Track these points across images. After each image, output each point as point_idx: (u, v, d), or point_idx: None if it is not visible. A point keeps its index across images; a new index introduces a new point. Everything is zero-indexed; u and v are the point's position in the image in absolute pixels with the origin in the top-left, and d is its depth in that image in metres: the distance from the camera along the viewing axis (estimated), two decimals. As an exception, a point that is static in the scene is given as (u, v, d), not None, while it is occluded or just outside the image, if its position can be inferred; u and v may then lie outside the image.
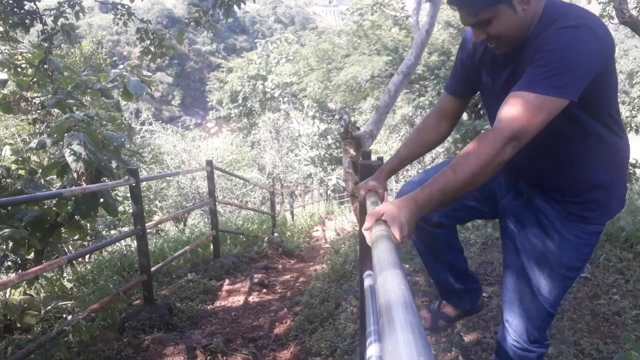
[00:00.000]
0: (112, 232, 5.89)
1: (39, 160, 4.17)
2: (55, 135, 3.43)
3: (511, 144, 0.99)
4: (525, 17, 1.08)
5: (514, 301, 1.37)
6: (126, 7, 5.49)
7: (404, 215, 0.97)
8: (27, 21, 4.54)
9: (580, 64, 1.00)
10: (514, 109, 1.00)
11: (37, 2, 4.57)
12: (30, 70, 4.29)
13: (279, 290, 4.19)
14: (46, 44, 4.45)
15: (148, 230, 3.65)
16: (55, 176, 3.62)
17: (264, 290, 4.14)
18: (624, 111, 22.19)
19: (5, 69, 4.17)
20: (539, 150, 1.18)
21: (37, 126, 4.82)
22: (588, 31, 1.02)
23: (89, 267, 4.46)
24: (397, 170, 1.62)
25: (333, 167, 22.24)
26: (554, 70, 0.99)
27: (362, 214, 1.77)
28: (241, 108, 30.70)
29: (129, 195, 3.95)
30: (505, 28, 1.09)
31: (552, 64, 1.00)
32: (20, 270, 3.48)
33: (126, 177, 3.23)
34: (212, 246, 5.13)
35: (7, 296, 3.19)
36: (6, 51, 4.59)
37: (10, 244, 3.26)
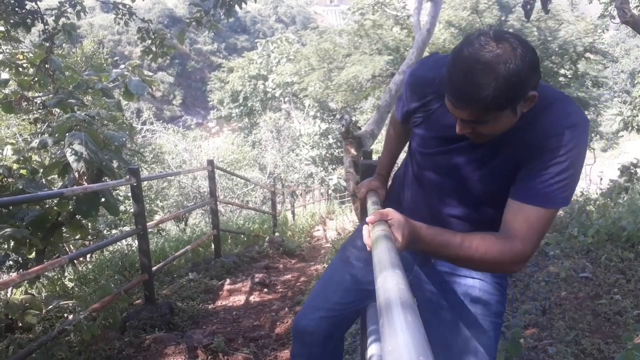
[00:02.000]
0: (113, 231, 5.90)
1: (40, 160, 4.18)
2: (56, 135, 3.43)
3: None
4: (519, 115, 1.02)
5: None
6: (127, 6, 5.49)
7: (407, 229, 0.98)
8: (28, 21, 4.55)
9: (583, 167, 1.05)
10: (538, 229, 1.03)
11: (38, 2, 4.58)
12: (31, 69, 4.29)
13: (280, 290, 4.20)
14: (47, 44, 4.45)
15: (149, 230, 3.65)
16: (56, 176, 3.62)
17: (265, 289, 4.14)
18: (626, 110, 22.15)
19: (7, 69, 4.17)
20: (477, 211, 1.21)
21: (39, 126, 4.82)
22: (587, 128, 1.04)
23: (90, 267, 4.47)
24: (392, 168, 1.64)
25: (334, 166, 22.25)
26: (567, 181, 1.02)
27: (362, 213, 1.77)
28: (242, 108, 30.72)
29: (130, 194, 3.96)
30: (498, 129, 1.01)
31: (565, 174, 1.01)
32: (21, 270, 3.49)
33: (127, 176, 3.24)
34: (213, 246, 5.13)
35: (8, 295, 3.20)
36: (7, 51, 4.60)
37: (12, 243, 3.26)
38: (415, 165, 1.32)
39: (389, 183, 1.61)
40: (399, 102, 1.36)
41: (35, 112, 4.53)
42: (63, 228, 3.69)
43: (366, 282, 1.39)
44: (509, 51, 0.91)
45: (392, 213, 1.00)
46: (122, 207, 6.12)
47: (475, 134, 1.04)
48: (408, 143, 1.42)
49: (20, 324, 2.91)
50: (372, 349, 1.25)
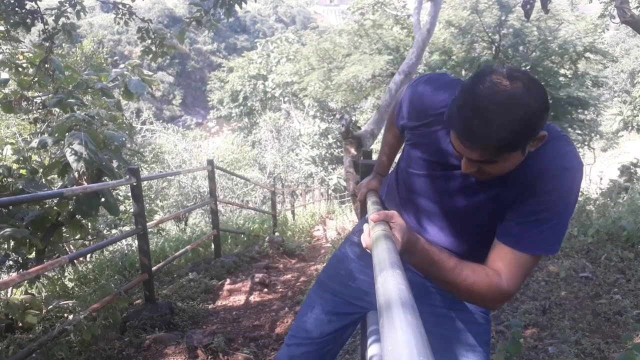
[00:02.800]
0: (113, 231, 5.90)
1: (40, 160, 4.18)
2: (56, 135, 3.44)
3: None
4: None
5: None
6: (127, 6, 5.49)
7: (407, 235, 0.97)
8: (28, 20, 4.55)
9: (572, 211, 1.02)
10: (523, 272, 1.03)
11: (38, 2, 4.58)
12: (31, 69, 4.30)
13: (280, 290, 4.20)
14: (47, 44, 4.45)
15: (149, 230, 3.65)
16: (56, 176, 3.62)
17: (265, 289, 4.14)
18: (626, 110, 22.16)
19: (7, 69, 4.18)
20: (461, 239, 1.20)
21: (38, 126, 4.82)
22: (581, 171, 1.02)
23: (90, 267, 4.47)
24: (390, 167, 1.63)
25: (334, 166, 22.25)
26: (556, 229, 1.01)
27: (362, 213, 1.77)
28: (242, 107, 30.73)
29: (130, 194, 3.96)
30: (505, 169, 0.99)
31: (555, 220, 1.00)
32: (21, 270, 3.49)
33: (127, 176, 3.24)
34: (213, 246, 5.13)
35: (8, 295, 3.20)
36: (7, 50, 4.60)
37: (12, 243, 3.26)
38: (402, 182, 1.30)
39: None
40: (399, 111, 1.33)
41: (35, 111, 4.53)
42: (63, 228, 3.69)
43: (349, 299, 1.38)
44: (523, 91, 0.89)
45: (395, 216, 0.99)
46: (122, 207, 6.12)
47: (480, 173, 1.02)
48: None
49: (20, 324, 2.91)
50: (372, 349, 1.25)
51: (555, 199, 0.99)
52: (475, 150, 0.94)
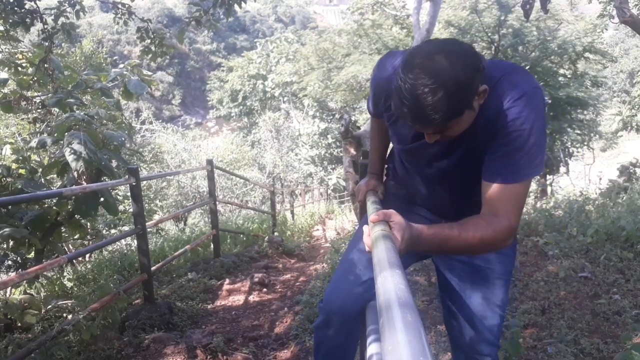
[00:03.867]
0: (113, 231, 5.89)
1: (39, 160, 4.17)
2: (55, 135, 3.43)
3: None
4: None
5: (481, 330, 1.39)
6: (126, 6, 5.48)
7: (408, 232, 1.00)
8: (27, 20, 4.54)
9: (545, 132, 1.10)
10: (517, 203, 1.11)
11: (37, 1, 4.57)
12: (30, 69, 4.29)
13: (280, 290, 4.19)
14: (46, 43, 4.44)
15: (148, 230, 3.65)
16: (55, 175, 3.62)
17: (264, 289, 4.14)
18: (625, 110, 22.16)
19: (6, 68, 4.16)
20: (463, 192, 1.31)
21: (38, 125, 4.81)
22: (538, 95, 1.08)
23: (89, 267, 4.46)
24: (383, 164, 1.67)
25: (333, 166, 22.25)
26: (529, 152, 1.07)
27: (362, 212, 1.77)
28: (241, 107, 30.70)
29: (129, 194, 3.95)
30: (463, 126, 1.07)
31: (526, 145, 1.06)
32: (20, 270, 3.49)
33: (126, 176, 3.23)
34: (212, 245, 5.13)
35: (7, 295, 3.19)
36: (7, 50, 4.59)
37: (11, 243, 3.26)
38: (402, 159, 1.42)
39: (384, 179, 1.67)
40: (369, 101, 1.44)
41: (34, 111, 4.52)
42: (62, 228, 3.68)
43: None
44: (446, 64, 0.95)
45: (394, 215, 1.02)
46: (121, 207, 6.11)
47: (444, 137, 1.10)
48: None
49: (19, 324, 2.90)
50: (372, 349, 1.24)
51: (519, 127, 1.05)
52: (427, 128, 1.05)
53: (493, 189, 1.10)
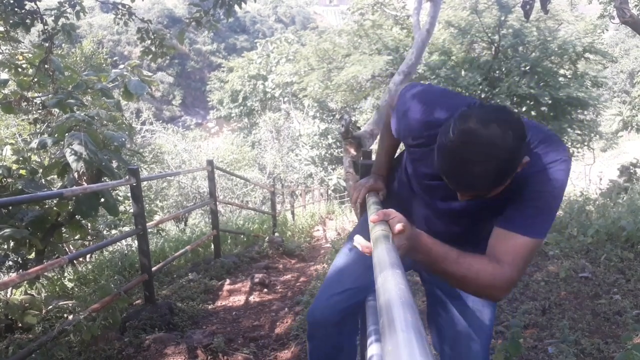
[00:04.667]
0: (113, 231, 5.90)
1: (39, 160, 4.17)
2: (56, 135, 3.43)
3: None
4: None
5: (471, 352, 1.39)
6: (127, 7, 5.49)
7: (409, 231, 0.99)
8: (27, 21, 4.54)
9: (561, 200, 1.12)
10: (524, 257, 1.08)
11: (37, 2, 4.57)
12: (31, 70, 4.29)
13: (280, 290, 4.19)
14: (47, 44, 4.45)
15: (149, 230, 3.65)
16: (56, 176, 3.62)
17: (265, 290, 4.14)
18: (625, 110, 22.15)
19: (6, 69, 4.17)
20: (464, 233, 1.31)
21: (38, 126, 4.82)
22: (568, 166, 1.10)
23: (89, 267, 4.46)
24: (390, 167, 1.63)
25: (334, 166, 22.25)
26: (547, 214, 1.09)
27: (361, 212, 1.77)
28: (242, 108, 30.69)
29: (129, 195, 3.96)
30: (498, 192, 1.05)
31: (547, 207, 1.08)
32: (21, 270, 3.49)
33: (127, 176, 3.24)
34: (212, 246, 5.13)
35: (8, 296, 3.19)
36: (7, 51, 4.59)
37: (12, 243, 3.26)
38: (410, 180, 1.39)
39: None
40: (393, 125, 1.39)
41: (34, 112, 4.53)
42: (63, 228, 3.69)
43: None
44: (499, 134, 0.94)
45: (393, 213, 1.00)
46: (121, 208, 6.12)
47: (477, 197, 1.09)
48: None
49: (20, 325, 2.91)
50: (372, 349, 1.24)
51: (547, 191, 1.07)
52: (467, 194, 1.04)
53: (504, 236, 1.09)
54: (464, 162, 0.95)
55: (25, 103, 4.21)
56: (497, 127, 0.94)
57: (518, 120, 0.98)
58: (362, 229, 1.53)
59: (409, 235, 0.98)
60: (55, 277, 4.04)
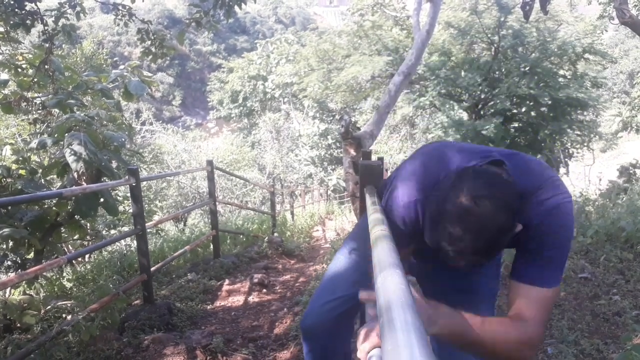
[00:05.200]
0: (112, 231, 5.89)
1: (39, 160, 4.16)
2: (55, 135, 3.43)
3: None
4: None
5: None
6: (127, 7, 5.49)
7: (425, 306, 0.92)
8: (28, 22, 4.54)
9: (571, 241, 1.13)
10: (547, 309, 1.07)
11: (37, 3, 4.57)
12: (31, 70, 4.28)
13: (279, 290, 4.19)
14: (47, 45, 4.44)
15: (148, 230, 3.65)
16: (55, 176, 3.62)
17: (264, 290, 4.14)
18: (625, 111, 22.17)
19: (6, 70, 4.16)
20: (458, 285, 1.36)
21: (38, 126, 4.81)
22: (571, 206, 1.10)
23: (88, 267, 4.46)
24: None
25: (333, 167, 22.25)
26: (561, 259, 1.09)
27: (361, 212, 1.77)
28: (241, 108, 30.69)
29: (129, 195, 3.96)
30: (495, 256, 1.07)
31: (559, 253, 1.08)
32: (20, 270, 3.48)
33: (126, 177, 3.23)
34: (212, 246, 5.12)
35: (6, 296, 3.19)
36: (7, 52, 4.59)
37: (10, 243, 3.26)
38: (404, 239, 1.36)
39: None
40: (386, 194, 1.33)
41: (34, 112, 4.52)
42: (62, 228, 3.68)
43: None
44: (491, 212, 0.93)
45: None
46: (121, 208, 6.11)
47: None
48: None
49: (18, 325, 2.90)
50: (372, 350, 1.24)
51: (559, 235, 1.07)
52: (463, 263, 1.03)
53: (523, 291, 1.07)
54: (453, 238, 0.95)
55: (25, 103, 4.20)
56: (489, 204, 0.93)
57: (511, 192, 0.98)
58: (361, 230, 1.53)
59: (425, 307, 0.91)
60: (54, 277, 4.04)
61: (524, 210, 1.06)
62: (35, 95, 4.36)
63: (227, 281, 4.24)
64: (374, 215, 1.13)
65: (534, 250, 1.08)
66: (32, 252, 3.51)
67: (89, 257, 5.08)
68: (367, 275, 1.41)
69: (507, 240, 0.99)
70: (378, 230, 0.94)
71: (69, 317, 2.85)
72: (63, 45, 13.12)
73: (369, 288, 1.44)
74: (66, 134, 3.24)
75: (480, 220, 0.93)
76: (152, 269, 3.54)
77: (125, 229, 6.18)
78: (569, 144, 11.98)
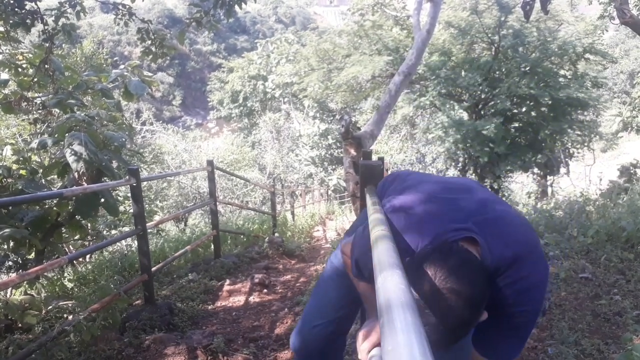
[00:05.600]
0: (113, 232, 5.89)
1: (40, 160, 4.17)
2: (56, 135, 3.43)
3: None
4: None
5: None
6: (127, 7, 5.49)
7: None
8: (28, 21, 4.54)
9: (538, 315, 1.11)
10: None
11: (38, 2, 4.57)
12: (31, 70, 4.29)
13: (280, 291, 4.19)
14: (47, 44, 4.45)
15: (149, 230, 3.65)
16: (56, 176, 3.62)
17: (265, 290, 4.14)
18: (625, 111, 22.16)
19: (7, 69, 4.17)
20: None
21: (38, 126, 4.82)
22: (547, 281, 1.08)
23: (89, 267, 4.46)
24: None
25: (334, 167, 22.25)
26: (524, 336, 1.10)
27: (361, 208, 1.77)
28: (242, 108, 30.71)
29: (129, 195, 3.96)
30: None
31: (523, 332, 1.08)
32: (21, 270, 3.49)
33: (127, 177, 3.23)
34: (212, 246, 5.13)
35: (8, 296, 3.19)
36: (7, 51, 4.59)
37: (11, 243, 3.26)
38: None
39: None
40: (355, 263, 1.28)
41: (34, 112, 4.53)
42: (62, 228, 3.69)
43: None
44: (459, 303, 0.89)
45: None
46: (121, 208, 6.11)
47: None
48: None
49: (19, 325, 2.90)
50: (372, 350, 1.24)
51: (527, 310, 1.06)
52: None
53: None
54: (443, 316, 0.90)
55: (25, 103, 4.21)
56: (455, 299, 0.89)
57: (481, 282, 0.93)
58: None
59: None
60: (55, 277, 4.04)
61: (496, 287, 1.02)
62: (36, 95, 4.36)
63: (227, 281, 4.25)
64: (374, 215, 1.13)
65: (498, 324, 1.05)
66: (33, 253, 3.52)
67: (90, 257, 5.09)
68: (359, 300, 1.41)
69: (470, 329, 0.95)
70: (378, 230, 0.94)
71: (70, 317, 2.86)
72: (63, 45, 13.13)
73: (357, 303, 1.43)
74: (67, 134, 3.24)
75: (443, 312, 0.89)
76: (153, 269, 3.55)
77: (126, 229, 6.19)
78: (570, 144, 11.97)
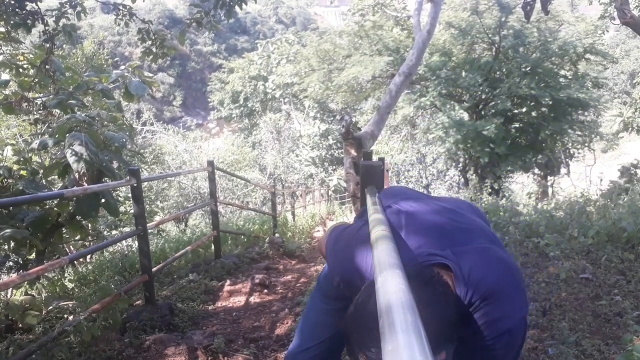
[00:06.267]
0: (114, 232, 5.90)
1: (40, 161, 4.17)
2: (56, 136, 3.43)
3: None
4: None
5: None
6: (128, 7, 5.50)
7: None
8: (28, 22, 4.55)
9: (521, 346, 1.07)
10: None
11: (38, 3, 4.58)
12: (31, 70, 4.29)
13: (280, 291, 4.19)
14: (48, 45, 4.45)
15: (149, 231, 3.65)
16: (56, 176, 3.62)
17: (265, 290, 4.14)
18: (626, 111, 22.15)
19: (7, 70, 4.17)
20: None
21: (39, 127, 4.82)
22: (526, 323, 1.04)
23: (90, 268, 4.46)
24: None
25: (334, 167, 22.25)
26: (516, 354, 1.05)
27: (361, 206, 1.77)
28: (242, 108, 30.73)
29: (130, 195, 3.96)
30: None
31: (514, 351, 1.04)
32: (21, 271, 3.49)
33: (127, 177, 3.24)
34: (213, 246, 5.13)
35: (8, 296, 3.20)
36: (8, 52, 4.59)
37: (12, 244, 3.26)
38: None
39: None
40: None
41: (35, 113, 4.53)
42: (63, 229, 3.69)
43: None
44: (437, 295, 0.88)
45: None
46: (122, 208, 6.11)
47: None
48: None
49: (20, 325, 2.91)
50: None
51: (516, 340, 1.01)
52: None
53: None
54: (370, 353, 0.85)
55: (26, 104, 4.21)
56: (434, 296, 0.87)
57: (445, 322, 0.88)
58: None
59: None
60: (56, 277, 4.04)
61: (471, 324, 0.98)
62: (36, 95, 4.36)
63: (228, 282, 4.25)
64: (375, 215, 1.13)
65: (482, 354, 1.01)
66: (34, 253, 3.52)
67: (91, 257, 5.09)
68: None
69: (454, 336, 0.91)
70: (378, 230, 0.94)
71: (70, 318, 2.86)
72: (64, 46, 13.12)
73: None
74: (67, 135, 3.24)
75: (436, 308, 0.86)
76: (154, 269, 3.55)
77: (127, 229, 6.19)
78: (570, 144, 11.98)
